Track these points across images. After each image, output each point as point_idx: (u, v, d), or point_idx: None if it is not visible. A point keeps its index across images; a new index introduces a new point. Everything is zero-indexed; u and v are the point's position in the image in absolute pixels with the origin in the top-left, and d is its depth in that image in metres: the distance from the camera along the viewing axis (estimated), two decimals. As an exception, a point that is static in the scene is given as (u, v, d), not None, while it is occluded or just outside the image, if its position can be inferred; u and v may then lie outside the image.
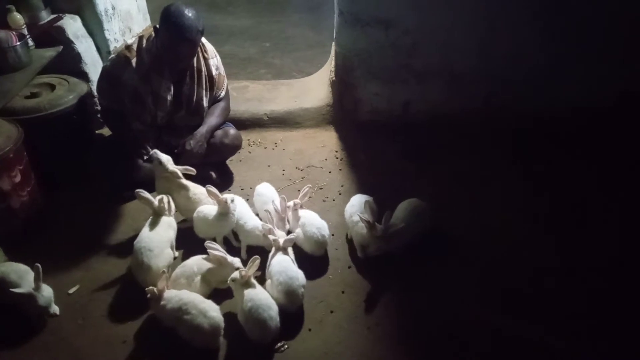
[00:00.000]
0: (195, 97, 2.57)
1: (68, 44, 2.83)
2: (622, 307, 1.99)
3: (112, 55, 2.51)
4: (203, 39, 2.55)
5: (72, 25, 2.87)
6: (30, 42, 2.70)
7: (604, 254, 2.25)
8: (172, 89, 2.51)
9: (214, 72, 2.61)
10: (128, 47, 2.42)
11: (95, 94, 2.74)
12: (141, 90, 2.44)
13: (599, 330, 1.89)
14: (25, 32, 2.66)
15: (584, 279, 2.11)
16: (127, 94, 2.44)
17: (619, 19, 2.82)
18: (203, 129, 2.57)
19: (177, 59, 2.40)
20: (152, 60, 2.42)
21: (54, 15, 2.83)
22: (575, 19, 2.83)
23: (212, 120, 2.63)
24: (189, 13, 2.29)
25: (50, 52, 2.68)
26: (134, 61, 2.40)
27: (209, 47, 2.61)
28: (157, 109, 2.52)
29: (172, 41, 2.31)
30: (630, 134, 3.01)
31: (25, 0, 2.71)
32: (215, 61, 2.63)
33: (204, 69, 2.57)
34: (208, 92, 2.63)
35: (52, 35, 2.78)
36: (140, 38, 2.44)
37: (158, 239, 2.07)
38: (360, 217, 2.11)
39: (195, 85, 2.55)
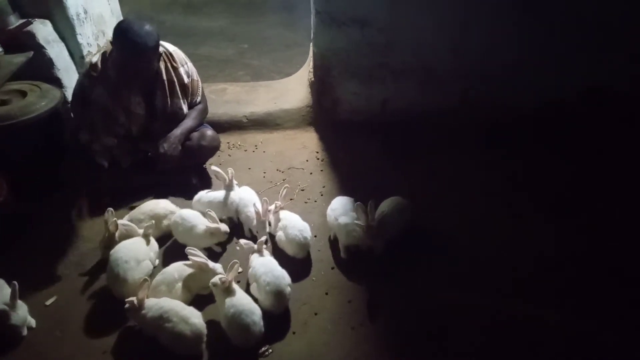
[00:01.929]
0: (170, 108, 2.53)
1: (39, 49, 2.74)
2: (620, 292, 2.05)
3: (79, 77, 2.47)
4: (170, 47, 2.51)
5: (43, 30, 2.79)
6: (-1, 48, 2.62)
7: (585, 243, 2.29)
8: (142, 103, 2.46)
9: (186, 80, 2.56)
10: (93, 66, 2.36)
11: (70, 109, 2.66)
12: (112, 108, 2.39)
13: (595, 320, 1.92)
14: (-7, 37, 2.59)
15: (570, 268, 2.15)
16: (98, 112, 2.38)
17: (588, 16, 2.87)
18: (177, 131, 2.53)
19: (134, 74, 2.36)
20: (118, 76, 2.36)
21: (23, 20, 2.74)
22: (545, 15, 2.87)
23: (187, 122, 2.60)
24: (139, 29, 2.24)
25: (20, 58, 2.60)
26: (99, 79, 2.34)
27: (177, 56, 2.55)
28: (131, 125, 2.47)
29: (126, 58, 2.28)
30: (600, 127, 3.08)
31: (-8, 6, 2.63)
32: (185, 68, 2.57)
33: (175, 79, 2.52)
34: (185, 100, 2.59)
35: (22, 41, 2.70)
36: (104, 54, 2.38)
37: (135, 249, 2.03)
38: (357, 224, 2.11)
39: (168, 97, 2.51)
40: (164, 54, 2.47)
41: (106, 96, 2.36)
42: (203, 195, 2.42)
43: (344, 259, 2.23)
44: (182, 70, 2.55)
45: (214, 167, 2.43)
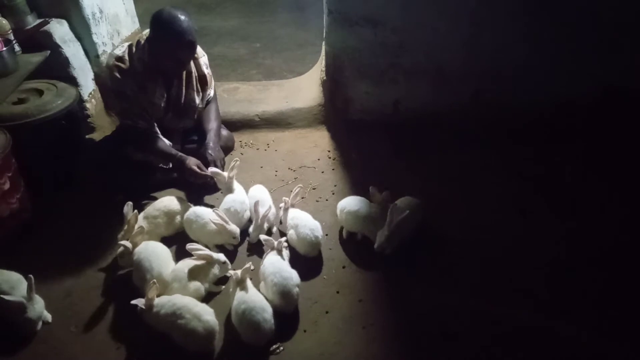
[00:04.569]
0: (183, 99, 2.54)
1: (55, 48, 2.79)
2: (621, 296, 2.01)
3: (106, 72, 2.45)
4: None
5: (59, 30, 2.84)
6: (17, 48, 2.66)
7: (599, 246, 2.26)
8: (165, 95, 2.48)
9: (205, 71, 2.60)
10: (120, 59, 2.36)
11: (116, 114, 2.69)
12: (142, 101, 2.41)
13: (601, 320, 1.90)
14: (12, 37, 2.62)
15: (580, 271, 2.12)
16: (136, 105, 2.40)
17: (603, 14, 2.83)
18: (212, 135, 2.58)
19: (179, 64, 2.36)
20: (145, 69, 2.37)
21: (40, 20, 2.79)
22: (559, 14, 2.84)
23: (213, 124, 2.64)
24: (182, 16, 2.25)
25: (37, 57, 2.65)
26: (128, 72, 2.35)
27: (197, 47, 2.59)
28: (152, 116, 2.50)
29: (172, 47, 2.26)
30: (614, 127, 3.03)
31: (11, 5, 2.67)
32: (205, 59, 2.62)
33: (193, 69, 2.55)
34: (200, 93, 2.61)
35: (39, 40, 2.75)
36: (130, 47, 2.40)
37: (160, 247, 2.09)
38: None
39: (184, 87, 2.53)
40: None
41: (136, 89, 2.37)
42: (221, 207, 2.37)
43: (357, 256, 2.23)
44: (201, 61, 2.57)
45: (212, 169, 2.42)
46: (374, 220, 2.21)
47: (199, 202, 2.53)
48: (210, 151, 2.50)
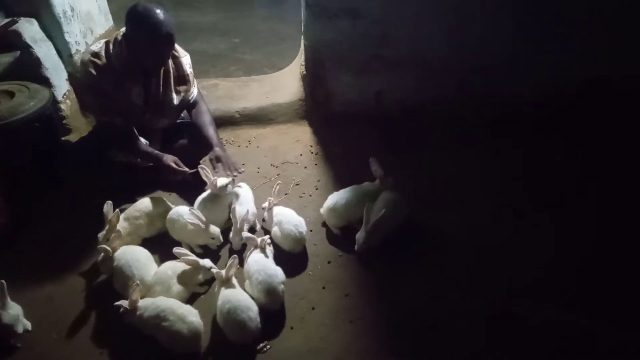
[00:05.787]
0: (160, 98, 2.49)
1: (26, 48, 2.71)
2: (620, 294, 2.01)
3: (81, 67, 2.37)
4: None
5: (29, 29, 2.75)
6: (-15, 49, 2.59)
7: (590, 240, 2.27)
8: (142, 94, 2.42)
9: (188, 71, 2.54)
10: (96, 55, 2.28)
11: (96, 115, 2.57)
12: (119, 98, 2.34)
13: (601, 319, 1.90)
14: (-21, 38, 2.55)
15: (571, 266, 2.13)
16: (113, 102, 2.33)
17: (586, 7, 2.84)
18: (218, 146, 2.52)
19: (159, 58, 2.31)
20: (122, 67, 2.30)
21: (8, 19, 2.71)
22: (543, 6, 2.85)
23: (211, 130, 2.58)
24: (158, 9, 2.18)
25: (6, 58, 2.57)
26: (105, 68, 2.27)
27: (177, 45, 2.52)
28: (130, 115, 2.44)
29: (151, 42, 2.20)
30: (602, 119, 3.06)
31: (-23, 5, 2.60)
32: (187, 59, 2.55)
33: (172, 69, 2.49)
34: (181, 93, 2.55)
35: (8, 40, 2.66)
36: (107, 43, 2.32)
37: (140, 251, 2.05)
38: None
39: (161, 87, 2.47)
40: None
41: (112, 86, 2.30)
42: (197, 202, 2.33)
43: (339, 252, 2.22)
44: (184, 61, 2.51)
45: (202, 167, 2.34)
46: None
47: (181, 202, 2.49)
48: (223, 164, 2.44)
